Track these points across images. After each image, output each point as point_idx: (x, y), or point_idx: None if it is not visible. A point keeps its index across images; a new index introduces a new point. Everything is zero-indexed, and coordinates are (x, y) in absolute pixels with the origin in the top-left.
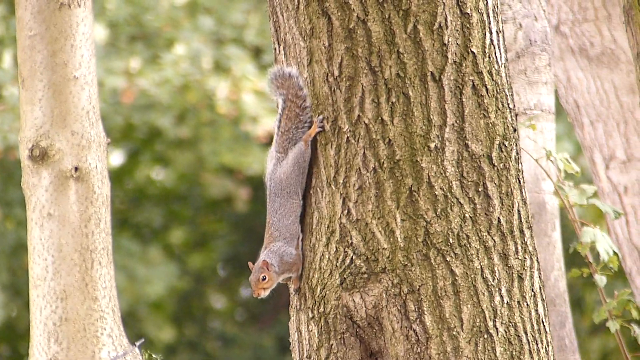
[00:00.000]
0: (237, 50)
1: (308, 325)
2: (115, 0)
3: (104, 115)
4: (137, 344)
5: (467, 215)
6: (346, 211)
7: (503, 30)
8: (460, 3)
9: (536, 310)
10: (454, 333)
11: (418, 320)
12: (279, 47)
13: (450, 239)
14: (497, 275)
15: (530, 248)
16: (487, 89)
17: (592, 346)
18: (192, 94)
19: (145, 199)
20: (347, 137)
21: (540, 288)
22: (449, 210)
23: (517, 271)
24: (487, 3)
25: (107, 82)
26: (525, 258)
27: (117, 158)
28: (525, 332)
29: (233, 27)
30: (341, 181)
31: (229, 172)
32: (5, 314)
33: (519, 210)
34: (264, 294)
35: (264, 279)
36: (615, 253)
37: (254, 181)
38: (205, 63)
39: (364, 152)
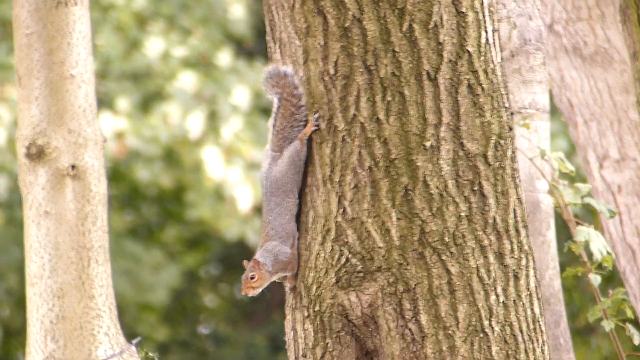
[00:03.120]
0: (230, 107)
1: (303, 324)
2: (106, 36)
3: None
4: (134, 342)
5: (462, 214)
6: (342, 210)
7: (499, 29)
8: (455, 2)
9: (532, 310)
10: (450, 332)
11: (414, 319)
12: (274, 45)
13: (446, 238)
14: (493, 274)
15: (526, 247)
16: (482, 88)
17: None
18: (183, 147)
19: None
20: (343, 136)
21: (535, 287)
22: (445, 209)
23: (513, 270)
24: (482, 2)
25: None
26: (521, 257)
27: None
28: (521, 331)
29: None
30: (337, 180)
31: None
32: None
33: (514, 209)
34: (253, 292)
35: (252, 277)
36: (609, 252)
37: (228, 248)
38: (196, 124)
39: (360, 151)
